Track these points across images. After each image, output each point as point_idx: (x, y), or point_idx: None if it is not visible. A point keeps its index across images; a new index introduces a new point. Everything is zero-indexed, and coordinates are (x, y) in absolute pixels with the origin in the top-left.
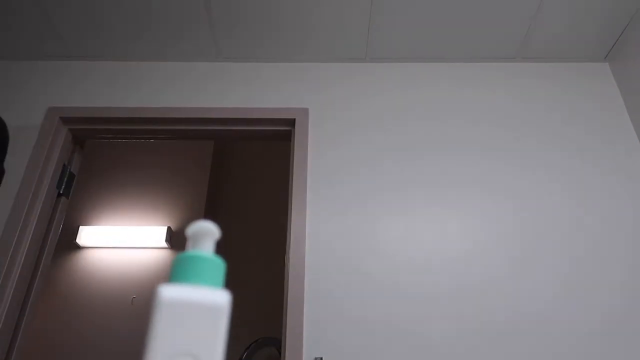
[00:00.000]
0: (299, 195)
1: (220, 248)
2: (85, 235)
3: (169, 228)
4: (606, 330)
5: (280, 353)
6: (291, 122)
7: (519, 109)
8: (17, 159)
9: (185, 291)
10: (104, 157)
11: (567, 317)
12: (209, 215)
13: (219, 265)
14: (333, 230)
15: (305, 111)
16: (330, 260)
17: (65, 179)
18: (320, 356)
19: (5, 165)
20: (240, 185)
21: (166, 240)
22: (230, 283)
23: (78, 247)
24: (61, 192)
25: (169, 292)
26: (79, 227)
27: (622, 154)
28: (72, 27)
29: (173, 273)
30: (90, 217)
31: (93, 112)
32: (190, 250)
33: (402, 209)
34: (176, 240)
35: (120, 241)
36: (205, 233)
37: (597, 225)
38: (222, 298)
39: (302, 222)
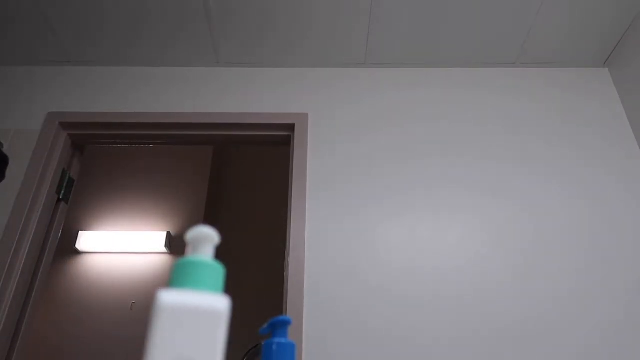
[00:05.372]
0: (298, 200)
1: (220, 253)
2: (85, 240)
3: (168, 233)
4: (610, 337)
5: None
6: (290, 127)
7: (518, 114)
8: (16, 164)
9: (185, 296)
10: (103, 162)
11: (571, 324)
12: (208, 220)
13: (218, 271)
14: (332, 236)
15: (304, 116)
16: (329, 266)
17: (65, 184)
18: None
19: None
20: (240, 190)
21: (166, 246)
22: (230, 288)
23: (77, 253)
24: (60, 197)
25: (168, 297)
26: (78, 232)
27: (622, 158)
28: (71, 33)
29: (173, 278)
30: (90, 223)
31: (92, 118)
32: (190, 256)
33: (403, 214)
34: (176, 245)
35: (120, 246)
36: (205, 238)
37: (599, 230)
38: (221, 303)
39: (302, 227)
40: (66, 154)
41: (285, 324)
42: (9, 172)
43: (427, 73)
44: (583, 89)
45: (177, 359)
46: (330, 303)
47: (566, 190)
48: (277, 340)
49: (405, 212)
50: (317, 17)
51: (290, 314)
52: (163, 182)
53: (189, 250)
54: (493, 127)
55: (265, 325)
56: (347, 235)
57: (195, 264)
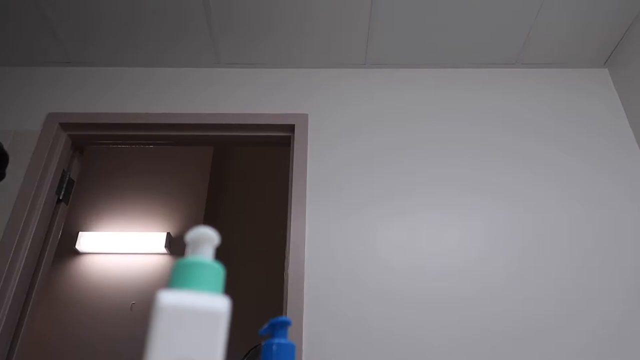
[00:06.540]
0: (298, 200)
1: (220, 254)
2: (85, 241)
3: (168, 234)
4: (610, 337)
5: None
6: (290, 128)
7: (518, 114)
8: (16, 165)
9: (185, 297)
10: (103, 163)
11: (571, 324)
12: (208, 221)
13: (218, 271)
14: (332, 236)
15: (304, 117)
16: (329, 266)
17: (65, 185)
18: None
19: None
20: (240, 191)
21: (165, 246)
22: (230, 289)
23: (77, 253)
24: (60, 198)
25: (168, 298)
26: (78, 233)
27: (622, 158)
28: (71, 33)
29: (173, 279)
30: (90, 223)
31: (93, 118)
32: (190, 256)
33: (403, 214)
34: (175, 246)
35: (120, 247)
36: (205, 239)
37: (599, 230)
38: (221, 304)
39: (302, 228)
40: (66, 155)
41: (285, 324)
42: (9, 172)
43: (427, 73)
44: (583, 89)
45: None
46: (330, 303)
47: (566, 190)
48: (277, 340)
49: (405, 212)
50: (317, 18)
51: (290, 314)
52: (163, 183)
53: (188, 250)
54: (493, 128)
55: (265, 326)
56: (347, 235)
57: (195, 265)
